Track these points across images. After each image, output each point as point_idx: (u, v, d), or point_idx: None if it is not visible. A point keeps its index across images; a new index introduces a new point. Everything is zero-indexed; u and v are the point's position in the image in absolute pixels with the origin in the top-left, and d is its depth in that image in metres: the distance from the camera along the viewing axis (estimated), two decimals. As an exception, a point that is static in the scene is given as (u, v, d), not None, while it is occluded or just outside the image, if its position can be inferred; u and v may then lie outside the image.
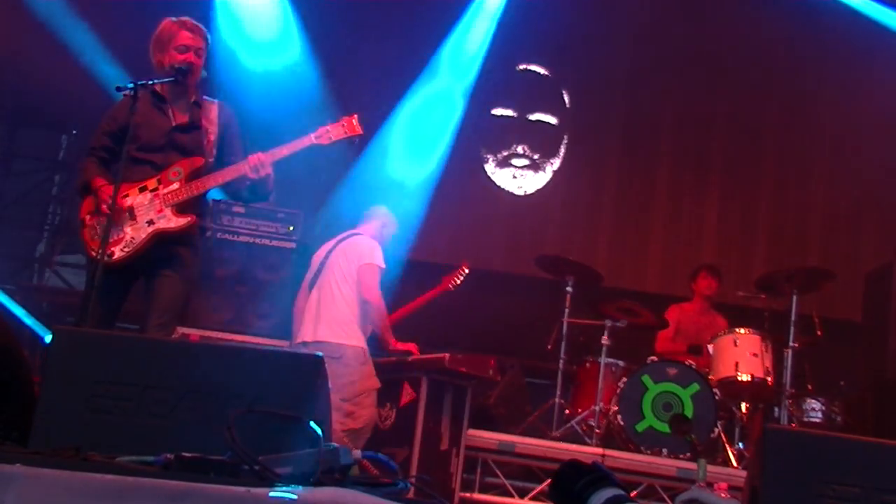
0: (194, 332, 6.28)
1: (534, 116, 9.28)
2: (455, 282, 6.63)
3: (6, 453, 2.36)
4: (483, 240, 9.00)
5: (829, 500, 2.81)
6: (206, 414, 2.73)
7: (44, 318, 8.57)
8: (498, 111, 9.31)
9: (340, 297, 5.64)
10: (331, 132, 4.38)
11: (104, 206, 4.12)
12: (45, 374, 2.84)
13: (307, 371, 2.86)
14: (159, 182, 4.29)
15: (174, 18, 4.40)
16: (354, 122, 4.41)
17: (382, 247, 5.83)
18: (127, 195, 4.22)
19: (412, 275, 6.95)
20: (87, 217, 4.30)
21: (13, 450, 2.59)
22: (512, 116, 9.31)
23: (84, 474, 2.17)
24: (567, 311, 6.95)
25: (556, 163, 9.23)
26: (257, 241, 6.74)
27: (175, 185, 4.27)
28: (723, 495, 3.74)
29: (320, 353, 2.97)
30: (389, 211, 6.06)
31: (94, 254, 4.14)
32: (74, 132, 9.77)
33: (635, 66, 9.24)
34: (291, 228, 6.87)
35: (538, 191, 9.21)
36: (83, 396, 2.77)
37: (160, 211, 4.24)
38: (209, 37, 4.44)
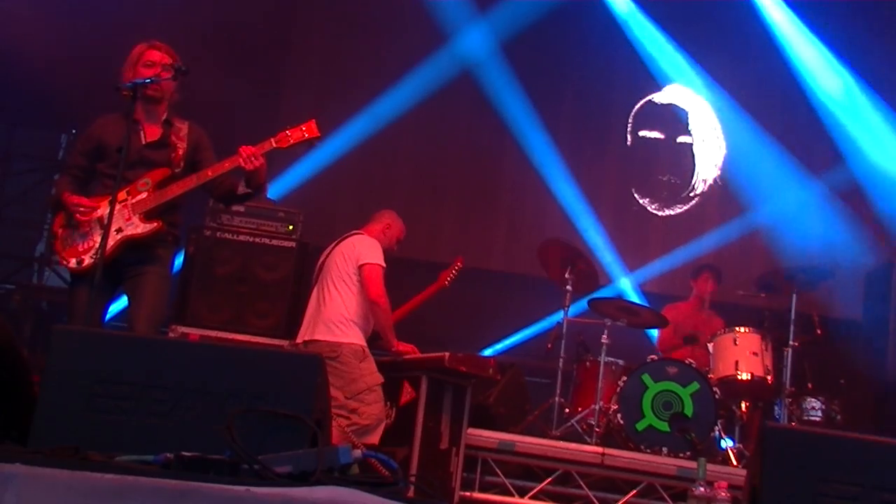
0: (194, 332, 6.28)
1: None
2: (450, 277, 6.63)
3: (6, 453, 2.36)
4: (483, 239, 9.00)
5: (829, 498, 2.81)
6: (206, 413, 2.74)
7: (43, 318, 8.58)
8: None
9: (338, 295, 5.64)
10: (290, 136, 4.55)
11: (77, 216, 4.43)
12: (45, 374, 2.84)
13: (307, 371, 2.86)
14: (128, 193, 4.50)
15: (146, 42, 4.63)
16: (314, 126, 4.58)
17: (387, 250, 5.82)
18: (98, 207, 4.46)
19: (412, 275, 6.95)
20: (60, 230, 4.54)
21: (13, 449, 2.59)
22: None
23: (84, 473, 2.17)
24: (567, 310, 6.95)
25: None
26: (257, 240, 6.73)
27: (143, 195, 4.50)
28: (722, 494, 3.74)
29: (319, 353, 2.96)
30: (397, 215, 6.06)
31: (63, 263, 4.50)
32: (74, 132, 9.76)
33: (634, 65, 9.24)
34: (291, 227, 6.87)
35: (538, 191, 9.20)
36: (83, 396, 2.78)
37: (129, 219, 4.47)
38: (180, 61, 4.60)
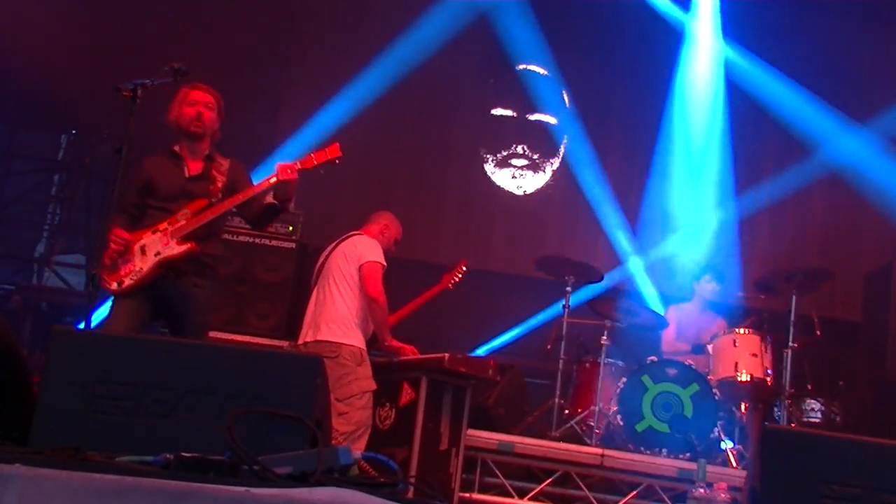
0: (194, 332, 6.27)
1: (533, 117, 9.28)
2: (454, 280, 6.63)
3: (6, 453, 2.36)
4: (483, 240, 9.00)
5: (829, 500, 2.81)
6: (206, 414, 2.73)
7: (43, 318, 8.59)
8: (498, 111, 9.32)
9: (339, 296, 5.64)
10: (314, 158, 4.84)
11: (112, 245, 4.73)
12: (45, 374, 2.84)
13: (307, 371, 2.86)
14: (169, 223, 4.81)
15: (190, 84, 4.92)
16: (337, 148, 4.87)
17: (385, 250, 5.83)
18: (142, 237, 4.79)
19: (412, 275, 6.96)
20: (108, 260, 4.80)
21: (13, 449, 2.59)
22: (512, 117, 9.32)
23: (84, 474, 2.17)
24: (567, 310, 6.95)
25: (555, 163, 9.23)
26: (257, 240, 6.73)
27: (182, 223, 4.80)
28: (722, 495, 3.74)
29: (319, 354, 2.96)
30: (393, 216, 6.07)
31: (106, 285, 4.73)
32: (74, 132, 9.78)
33: (635, 64, 9.23)
34: (291, 228, 6.87)
35: (538, 191, 9.22)
36: (83, 396, 2.77)
37: (166, 243, 4.77)
38: (221, 100, 4.98)
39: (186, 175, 4.89)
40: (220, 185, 4.88)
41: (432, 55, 8.77)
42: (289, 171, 4.75)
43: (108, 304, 4.94)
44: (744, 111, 8.97)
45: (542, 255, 7.34)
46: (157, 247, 4.75)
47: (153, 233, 4.78)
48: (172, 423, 2.74)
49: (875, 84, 8.81)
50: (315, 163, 4.81)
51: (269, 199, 4.88)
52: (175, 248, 4.73)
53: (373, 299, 5.61)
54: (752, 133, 9.06)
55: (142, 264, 4.74)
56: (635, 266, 8.76)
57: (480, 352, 8.19)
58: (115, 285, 4.73)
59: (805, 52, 8.83)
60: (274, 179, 4.78)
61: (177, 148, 4.96)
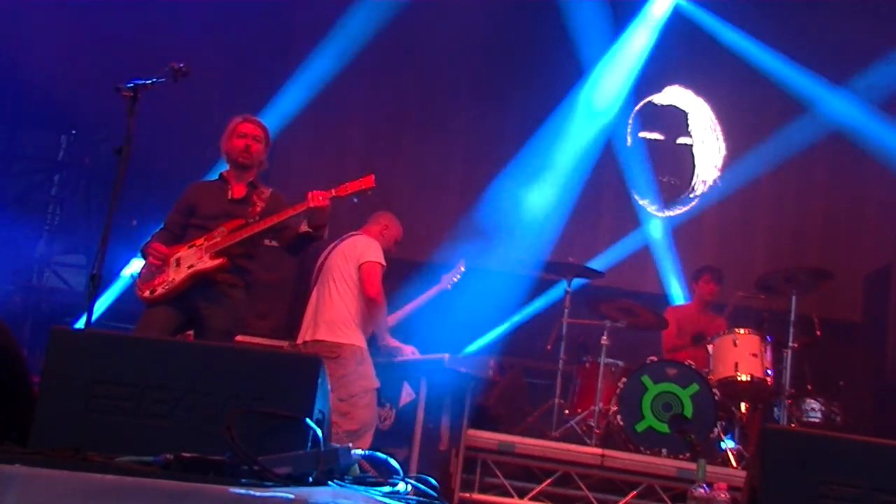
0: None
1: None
2: (453, 280, 6.64)
3: (6, 453, 2.36)
4: (483, 239, 9.00)
5: (829, 500, 2.81)
6: (206, 414, 2.73)
7: (43, 318, 8.59)
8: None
9: (338, 296, 5.65)
10: (349, 187, 5.03)
11: (151, 259, 5.02)
12: (45, 375, 2.83)
13: (307, 371, 2.86)
14: (205, 239, 5.04)
15: (241, 116, 5.25)
16: (371, 179, 5.05)
17: (385, 250, 5.84)
18: (178, 251, 5.03)
19: (412, 275, 6.96)
20: (144, 270, 5.08)
21: (13, 450, 2.59)
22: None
23: (83, 474, 2.17)
24: (567, 311, 6.95)
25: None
26: (257, 241, 6.71)
27: (217, 238, 5.02)
28: (722, 495, 3.74)
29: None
30: (394, 216, 6.08)
31: (139, 293, 5.02)
32: (74, 132, 9.76)
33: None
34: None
35: (538, 191, 9.20)
36: (82, 396, 2.77)
37: (200, 257, 4.98)
38: (268, 132, 5.30)
39: (229, 197, 5.14)
40: (258, 209, 5.10)
41: (432, 54, 8.79)
42: (321, 198, 4.94)
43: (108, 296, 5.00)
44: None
45: (546, 260, 7.36)
46: (191, 260, 4.96)
47: (189, 247, 5.00)
48: (172, 423, 2.74)
49: (853, 45, 8.77)
50: (349, 191, 4.99)
51: (304, 227, 5.03)
52: (208, 262, 4.95)
53: (371, 299, 5.62)
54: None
55: (175, 275, 4.95)
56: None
57: (477, 348, 8.18)
58: (147, 293, 4.95)
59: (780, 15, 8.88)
60: (306, 206, 4.93)
61: (225, 173, 5.25)
